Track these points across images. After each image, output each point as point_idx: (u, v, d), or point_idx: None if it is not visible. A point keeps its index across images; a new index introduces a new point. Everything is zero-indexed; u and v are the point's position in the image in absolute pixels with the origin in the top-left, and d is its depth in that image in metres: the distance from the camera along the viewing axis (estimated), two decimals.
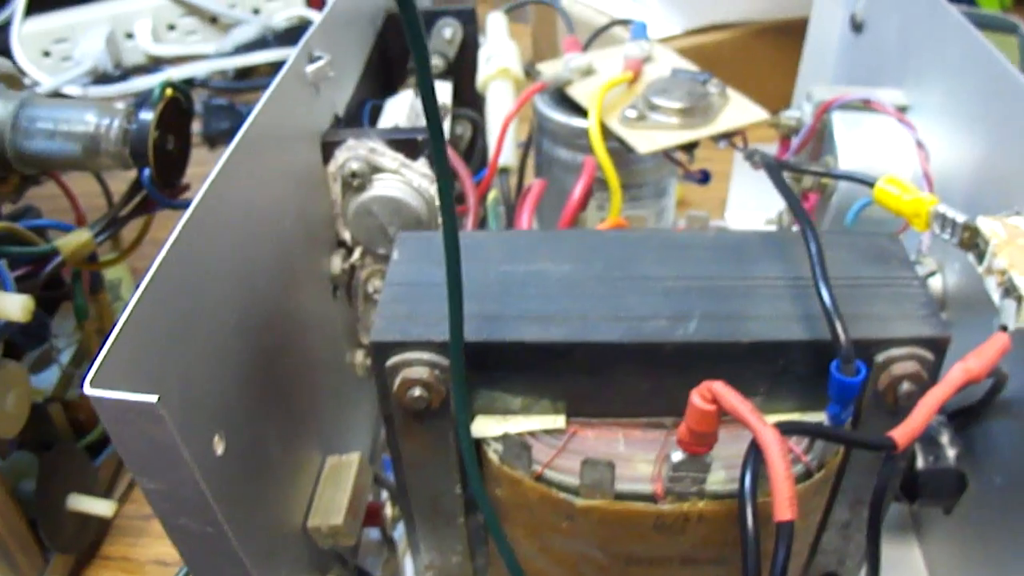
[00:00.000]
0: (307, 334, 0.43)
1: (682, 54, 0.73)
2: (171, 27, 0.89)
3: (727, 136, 0.48)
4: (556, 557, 0.37)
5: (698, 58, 0.74)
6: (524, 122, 0.56)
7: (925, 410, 0.32)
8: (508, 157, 0.49)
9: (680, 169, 0.52)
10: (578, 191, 0.43)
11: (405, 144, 0.43)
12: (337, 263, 0.45)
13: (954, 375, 0.32)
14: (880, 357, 0.33)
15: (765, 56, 0.78)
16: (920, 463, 0.42)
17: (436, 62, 0.54)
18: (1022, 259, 0.37)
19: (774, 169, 0.37)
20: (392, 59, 0.55)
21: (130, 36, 0.87)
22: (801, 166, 0.43)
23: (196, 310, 0.31)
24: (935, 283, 0.45)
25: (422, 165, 0.43)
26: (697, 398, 0.30)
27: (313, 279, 0.44)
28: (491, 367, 0.34)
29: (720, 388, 0.30)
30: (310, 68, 0.42)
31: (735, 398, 0.29)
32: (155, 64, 0.86)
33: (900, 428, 0.31)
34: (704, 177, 0.51)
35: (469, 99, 0.54)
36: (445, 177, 0.28)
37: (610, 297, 0.35)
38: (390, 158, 0.43)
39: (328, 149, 0.43)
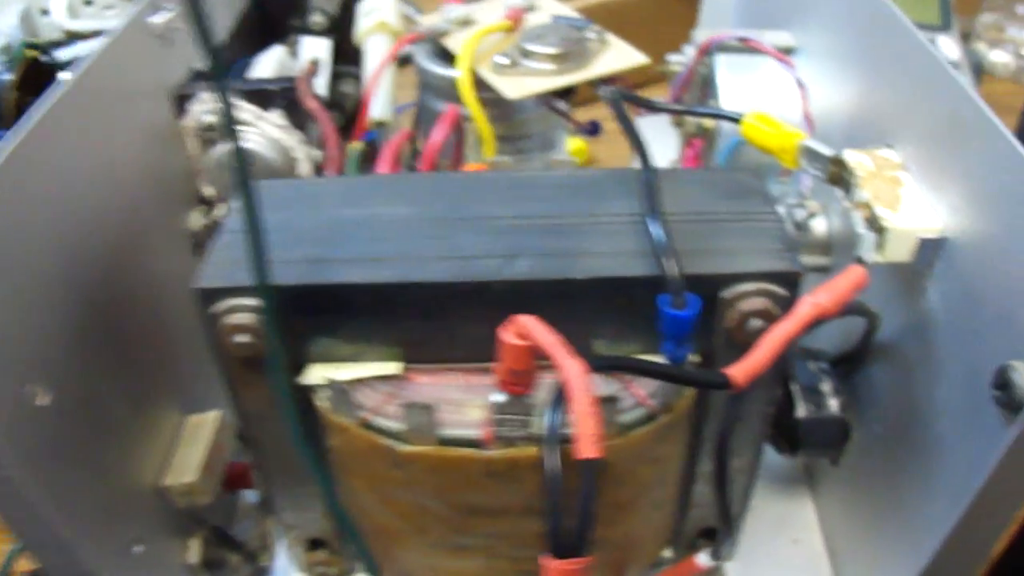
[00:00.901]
0: (163, 291, 0.41)
1: (588, 13, 0.71)
2: (87, 2, 0.87)
3: (606, 82, 0.46)
4: (397, 509, 0.35)
5: (604, 17, 0.72)
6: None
7: (768, 346, 0.30)
8: (382, 110, 0.47)
9: (569, 122, 0.50)
10: (437, 136, 0.41)
11: (258, 95, 0.41)
12: (197, 218, 0.43)
13: (802, 309, 0.31)
14: (727, 293, 0.32)
15: (671, 13, 0.76)
16: (801, 412, 0.40)
17: (317, 19, 0.52)
18: (887, 192, 0.36)
19: (617, 103, 0.35)
20: (272, 15, 0.54)
21: (45, 12, 0.85)
22: (659, 103, 0.41)
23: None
24: (818, 225, 0.43)
25: (277, 116, 0.42)
26: (507, 334, 0.29)
27: (170, 235, 0.42)
28: (319, 312, 0.33)
29: (528, 321, 0.28)
30: (157, 19, 0.40)
31: (541, 331, 0.28)
32: (72, 39, 0.84)
33: (739, 364, 0.30)
34: (593, 128, 0.50)
35: (355, 57, 0.52)
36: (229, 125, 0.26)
37: (444, 238, 0.34)
38: (245, 110, 0.41)
39: (181, 103, 0.42)
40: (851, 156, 0.37)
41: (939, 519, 0.31)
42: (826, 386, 0.41)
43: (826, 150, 0.37)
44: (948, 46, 0.65)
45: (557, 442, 0.27)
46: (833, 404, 0.40)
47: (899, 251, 0.34)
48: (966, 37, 0.79)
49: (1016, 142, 0.30)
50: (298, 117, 0.42)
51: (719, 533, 0.35)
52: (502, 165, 0.42)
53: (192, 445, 0.40)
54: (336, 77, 0.54)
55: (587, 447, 0.26)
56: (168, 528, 0.39)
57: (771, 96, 0.45)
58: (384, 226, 0.34)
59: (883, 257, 0.34)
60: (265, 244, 0.30)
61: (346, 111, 0.55)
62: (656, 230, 0.31)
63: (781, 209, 0.45)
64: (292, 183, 0.38)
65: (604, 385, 0.32)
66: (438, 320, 0.33)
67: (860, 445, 0.40)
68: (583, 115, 0.51)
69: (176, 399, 0.41)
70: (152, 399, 0.40)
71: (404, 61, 0.57)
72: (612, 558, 0.36)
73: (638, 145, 0.33)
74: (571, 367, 0.26)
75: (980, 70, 0.65)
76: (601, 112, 0.50)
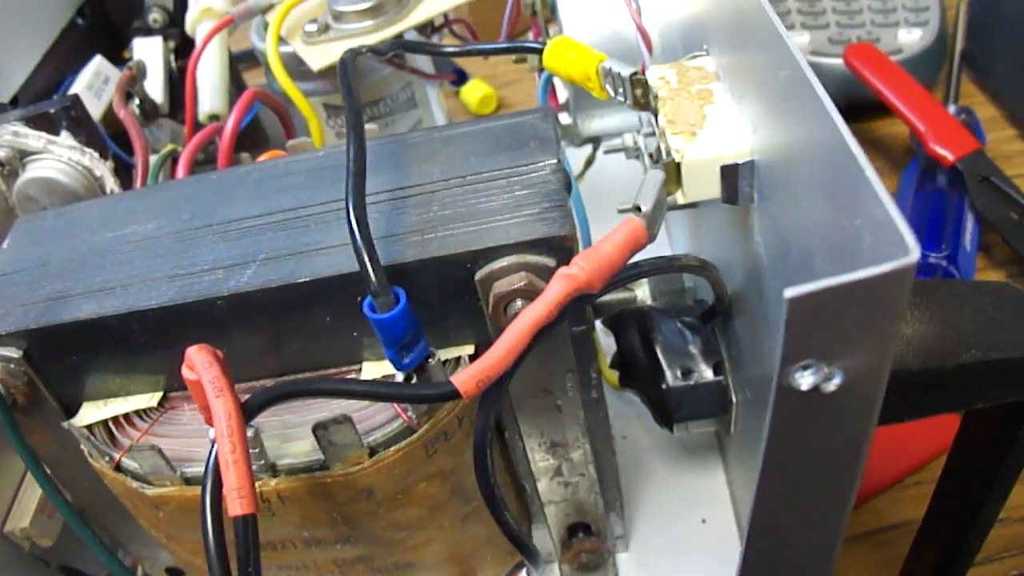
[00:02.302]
0: None
1: None
2: None
3: (438, 29, 0.41)
4: (188, 547, 0.32)
5: None
6: None
7: (509, 339, 0.24)
8: (212, 102, 0.44)
9: (423, 76, 0.45)
10: (228, 127, 0.37)
11: (41, 119, 0.38)
12: None
13: (552, 289, 0.25)
14: (480, 273, 0.27)
15: None
16: (668, 380, 0.34)
17: (156, 16, 0.49)
18: (690, 112, 0.29)
19: (344, 64, 0.30)
20: (113, 23, 0.50)
21: None
22: (447, 48, 0.36)
23: None
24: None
25: (67, 138, 0.39)
26: (184, 367, 0.25)
27: None
28: (66, 351, 0.30)
29: (192, 353, 0.24)
30: None
31: (202, 364, 0.24)
32: None
33: (468, 369, 0.24)
34: (459, 78, 0.44)
35: None
36: None
37: (179, 253, 0.30)
38: (34, 138, 0.39)
39: None
40: (655, 73, 0.30)
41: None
42: (695, 347, 0.35)
43: (624, 69, 0.30)
44: None
45: (213, 494, 0.23)
46: (704, 368, 0.34)
47: (702, 186, 0.27)
48: None
49: (784, 32, 0.23)
50: (91, 132, 0.39)
51: (529, 550, 0.30)
52: (301, 146, 0.37)
53: (34, 487, 0.38)
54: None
55: (231, 503, 0.22)
56: (19, 573, 0.38)
57: (616, 14, 0.39)
58: (127, 248, 0.31)
59: (684, 196, 0.28)
60: None
61: None
62: (352, 219, 0.25)
63: (640, 140, 0.39)
64: (60, 212, 0.34)
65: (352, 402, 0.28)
66: (182, 343, 0.29)
67: (745, 410, 0.34)
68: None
69: None
70: None
71: None
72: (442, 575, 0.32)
73: (350, 115, 0.28)
74: (216, 408, 0.22)
75: None
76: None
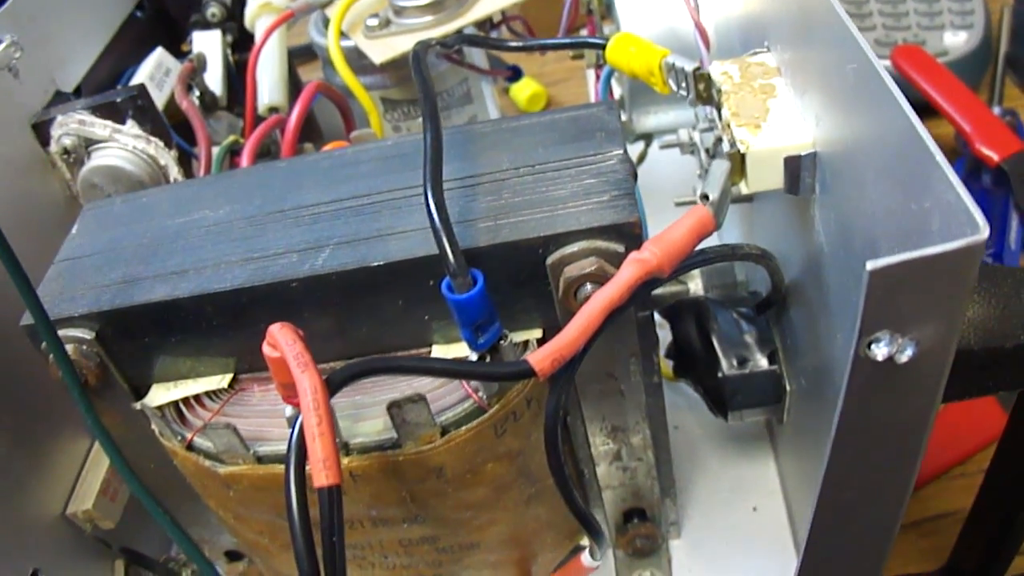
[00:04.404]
0: None
1: None
2: None
3: (496, 25, 0.42)
4: (252, 527, 0.33)
5: None
6: None
7: (581, 321, 0.25)
8: (271, 95, 0.45)
9: (483, 72, 0.46)
10: (293, 119, 0.38)
11: (107, 108, 0.39)
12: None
13: (624, 272, 0.26)
14: (551, 258, 0.28)
15: None
16: (724, 369, 0.35)
17: (214, 10, 0.50)
18: (754, 105, 0.30)
19: (417, 57, 0.31)
20: (171, 16, 0.52)
21: None
22: (512, 43, 0.36)
23: None
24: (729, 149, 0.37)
25: (132, 127, 0.40)
26: (266, 345, 0.26)
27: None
28: (138, 333, 0.31)
29: (275, 330, 0.25)
30: None
31: (286, 341, 0.24)
32: None
33: (543, 348, 0.25)
34: (514, 74, 0.45)
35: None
36: None
37: (251, 238, 0.31)
38: (100, 126, 0.40)
39: (43, 130, 0.40)
40: (717, 68, 0.31)
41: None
42: (751, 336, 0.35)
43: (688, 64, 0.31)
44: None
45: (297, 467, 0.23)
46: (760, 357, 0.35)
47: (765, 177, 0.28)
48: None
49: (855, 31, 0.24)
50: (156, 121, 0.40)
51: (596, 530, 0.31)
52: (364, 137, 0.38)
53: (95, 470, 0.40)
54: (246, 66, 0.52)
55: (316, 473, 0.22)
56: (81, 555, 0.39)
57: (676, 11, 0.39)
58: (199, 233, 0.32)
59: (748, 187, 0.28)
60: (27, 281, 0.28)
61: None
62: (432, 205, 0.26)
63: (695, 135, 0.39)
64: (128, 198, 0.36)
65: (425, 382, 0.29)
66: (255, 326, 0.30)
67: (798, 400, 0.35)
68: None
69: (79, 424, 0.40)
70: (48, 428, 0.39)
71: None
72: (503, 557, 0.33)
73: (426, 105, 0.29)
74: (302, 383, 0.23)
75: None
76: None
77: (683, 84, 0.32)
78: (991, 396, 0.38)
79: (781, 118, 0.28)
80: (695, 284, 0.38)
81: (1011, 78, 0.55)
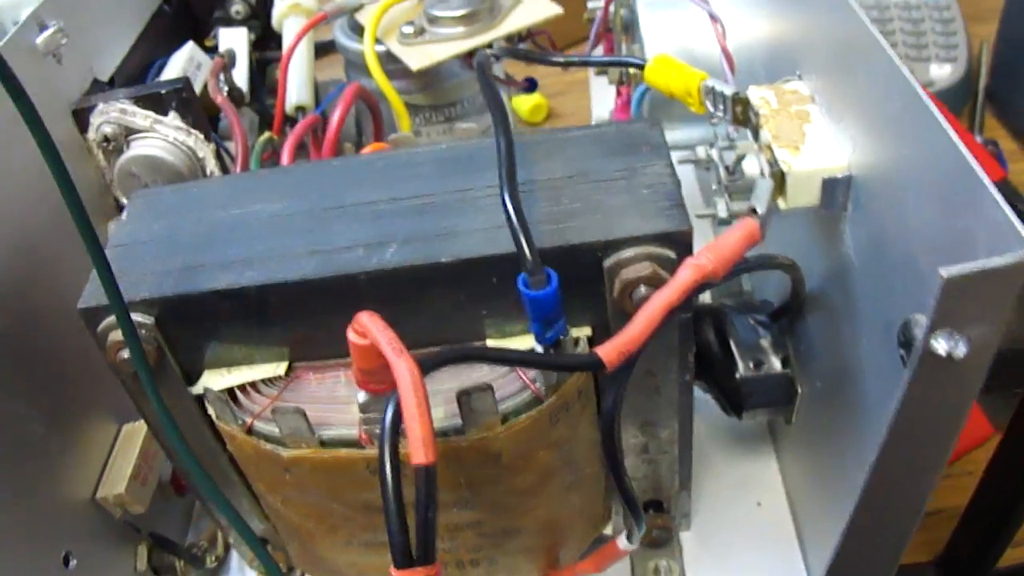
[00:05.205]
0: None
1: None
2: None
3: (523, 39, 0.44)
4: (302, 510, 0.34)
5: None
6: None
7: (643, 318, 0.28)
8: (299, 95, 0.46)
9: (501, 82, 0.47)
10: (335, 118, 0.39)
11: (150, 99, 0.40)
12: (113, 229, 0.42)
13: (681, 275, 0.28)
14: (608, 261, 0.30)
15: None
16: (741, 370, 0.38)
17: (238, 7, 0.51)
18: (791, 129, 0.32)
19: (481, 68, 0.33)
20: (195, 10, 0.52)
21: None
22: (552, 57, 0.39)
23: None
24: (749, 167, 0.40)
25: (173, 118, 0.41)
26: (351, 332, 0.27)
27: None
28: (198, 320, 0.32)
29: (365, 317, 0.27)
30: (40, 39, 0.39)
31: (377, 327, 0.26)
32: None
33: (610, 342, 0.27)
34: (531, 85, 0.47)
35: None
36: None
37: (313, 231, 0.32)
38: (141, 116, 0.41)
39: (82, 117, 0.41)
40: (755, 93, 0.34)
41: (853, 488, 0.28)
42: (766, 341, 0.38)
43: (727, 89, 0.34)
44: None
45: (392, 447, 0.25)
46: (774, 360, 0.37)
47: (803, 195, 0.31)
48: None
49: (902, 65, 0.27)
50: (197, 114, 0.41)
51: (641, 517, 0.33)
52: (403, 141, 0.40)
53: (125, 455, 0.40)
54: (266, 64, 0.53)
55: (416, 452, 0.24)
56: (109, 539, 0.40)
57: (696, 33, 0.42)
58: (258, 224, 0.33)
59: (786, 203, 0.31)
60: (107, 263, 0.29)
61: None
62: (509, 203, 0.28)
63: (713, 152, 0.42)
64: (178, 188, 0.37)
65: (483, 372, 0.31)
66: (316, 316, 0.32)
67: (808, 401, 0.37)
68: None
69: (109, 409, 0.41)
70: (80, 412, 0.40)
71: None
72: (537, 543, 0.35)
73: (496, 112, 0.31)
74: (399, 367, 0.25)
75: None
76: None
77: (720, 106, 0.34)
78: (975, 403, 0.41)
79: (818, 142, 0.31)
80: (706, 293, 0.41)
81: (989, 110, 0.59)
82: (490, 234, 0.30)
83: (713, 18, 0.39)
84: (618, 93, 0.45)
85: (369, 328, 0.26)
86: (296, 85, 0.46)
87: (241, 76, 0.48)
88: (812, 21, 0.33)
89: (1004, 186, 0.49)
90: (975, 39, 0.58)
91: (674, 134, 0.46)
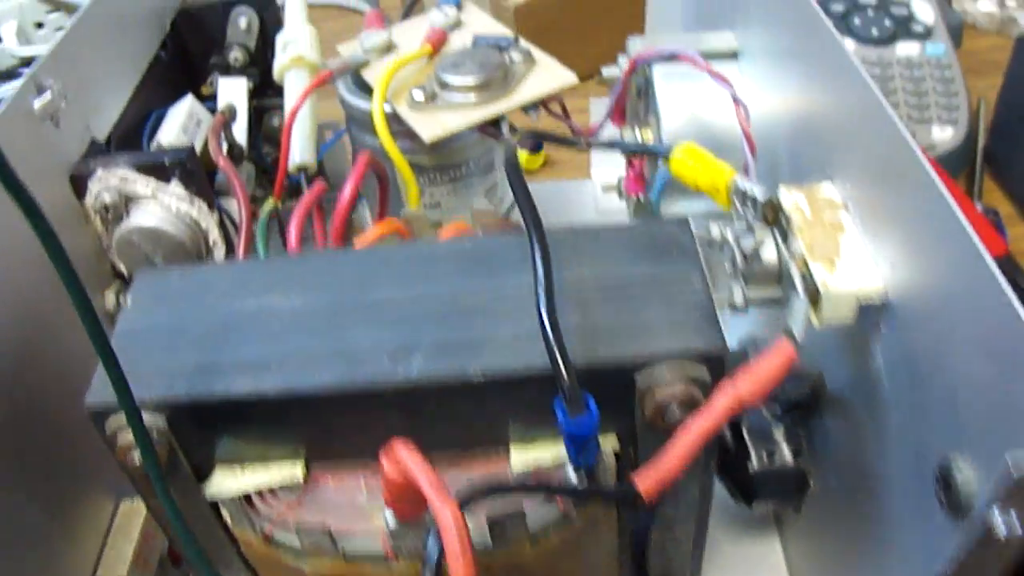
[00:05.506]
0: (80, 378, 0.39)
1: (544, 2, 0.66)
2: (39, 25, 0.85)
3: (536, 106, 0.43)
4: None
5: (563, 5, 0.67)
6: None
7: (680, 448, 0.27)
8: (302, 154, 0.44)
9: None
10: (347, 191, 0.38)
11: (154, 168, 0.39)
12: (111, 298, 0.41)
13: (719, 403, 0.28)
14: (641, 379, 0.29)
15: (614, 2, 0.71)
16: (754, 463, 0.37)
17: (237, 55, 0.49)
18: (826, 241, 0.32)
19: (511, 164, 0.32)
20: (192, 56, 0.51)
21: None
22: (580, 140, 0.38)
23: None
24: (768, 254, 0.39)
25: (176, 187, 0.39)
26: (385, 461, 0.26)
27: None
28: (213, 422, 0.31)
29: (403, 453, 0.26)
30: (38, 103, 0.38)
31: (415, 464, 0.25)
32: (26, 65, 0.82)
33: (646, 472, 0.27)
34: (535, 146, 0.46)
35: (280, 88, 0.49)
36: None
37: (335, 333, 0.31)
38: (143, 184, 0.39)
39: (80, 182, 0.39)
40: (787, 197, 0.33)
41: None
42: (779, 433, 0.38)
43: (759, 192, 0.33)
44: (922, 8, 0.59)
45: None
46: (787, 454, 0.37)
47: (838, 314, 0.30)
48: None
49: (948, 195, 0.26)
50: (201, 184, 0.39)
51: None
52: (415, 219, 0.39)
53: (124, 535, 0.39)
54: (263, 112, 0.51)
55: None
56: None
57: (713, 107, 0.41)
58: (275, 321, 0.32)
59: (819, 321, 0.31)
60: (117, 363, 0.28)
61: (279, 145, 0.52)
62: (547, 325, 0.28)
63: (728, 233, 0.41)
64: (186, 273, 0.35)
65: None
66: (335, 421, 0.31)
67: (819, 493, 0.37)
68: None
69: (106, 484, 0.40)
70: (78, 491, 0.38)
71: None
72: None
73: (530, 218, 0.30)
74: (444, 513, 0.24)
75: (960, 30, 0.59)
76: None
77: (749, 205, 0.34)
78: None
79: (854, 257, 0.30)
80: None
81: (988, 172, 0.59)
82: (521, 345, 0.30)
83: (737, 101, 0.38)
84: (630, 163, 0.44)
85: (408, 465, 0.26)
86: (299, 144, 0.44)
87: (241, 131, 0.46)
88: (846, 120, 0.33)
89: (1007, 263, 0.49)
90: (973, 94, 0.58)
91: (685, 204, 0.45)
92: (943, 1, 0.60)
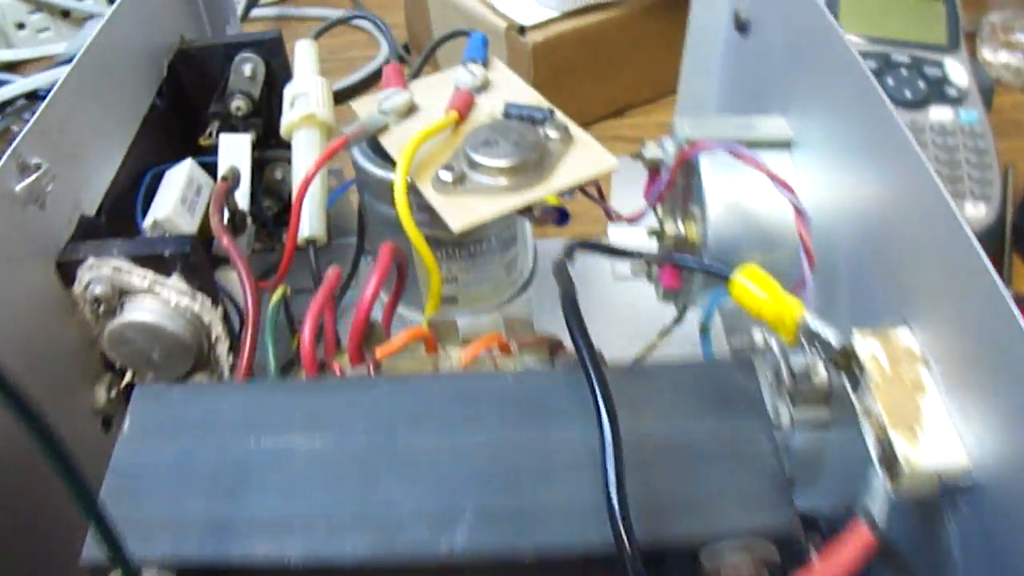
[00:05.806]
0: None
1: (562, 40, 0.63)
2: (20, 26, 0.79)
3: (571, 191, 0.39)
4: None
5: (581, 42, 0.64)
6: None
7: None
8: (312, 227, 0.41)
9: (531, 217, 0.43)
10: (370, 289, 0.34)
11: (152, 260, 0.35)
12: (101, 394, 0.37)
13: None
14: (706, 558, 0.27)
15: (656, 34, 0.67)
16: None
17: (239, 104, 0.45)
18: (906, 404, 0.29)
19: (569, 302, 0.29)
20: (190, 101, 0.46)
21: None
22: (629, 249, 0.35)
23: None
24: (819, 375, 0.36)
25: (177, 280, 0.35)
26: None
27: (72, 411, 0.36)
28: None
29: None
30: (20, 187, 0.33)
31: None
32: (6, 69, 0.76)
33: None
34: (562, 217, 0.43)
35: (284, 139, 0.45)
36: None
37: (364, 485, 0.28)
38: (139, 277, 0.35)
39: (67, 269, 0.35)
40: (861, 344, 0.30)
41: None
42: None
43: (832, 336, 0.30)
44: (956, 70, 0.56)
45: None
46: None
47: (917, 489, 0.28)
48: (970, 38, 0.68)
49: None
50: (204, 277, 0.35)
51: None
52: (443, 327, 0.35)
53: None
54: (266, 164, 0.47)
55: None
56: None
57: (765, 201, 0.38)
58: (295, 467, 0.29)
59: (897, 495, 0.28)
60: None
61: (283, 199, 0.48)
62: (617, 513, 0.25)
63: (774, 345, 0.39)
64: (189, 395, 0.31)
65: None
66: None
67: None
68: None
69: None
70: None
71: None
72: None
73: (593, 371, 0.27)
74: None
75: (991, 93, 0.56)
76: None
77: (817, 346, 0.31)
78: None
79: (937, 427, 0.28)
80: None
81: (1015, 250, 0.56)
82: (576, 517, 0.27)
83: (799, 212, 0.35)
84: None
85: None
86: (309, 216, 0.40)
87: (243, 195, 0.42)
88: (929, 255, 0.30)
89: None
90: (1000, 159, 0.56)
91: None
92: (974, 60, 0.57)
